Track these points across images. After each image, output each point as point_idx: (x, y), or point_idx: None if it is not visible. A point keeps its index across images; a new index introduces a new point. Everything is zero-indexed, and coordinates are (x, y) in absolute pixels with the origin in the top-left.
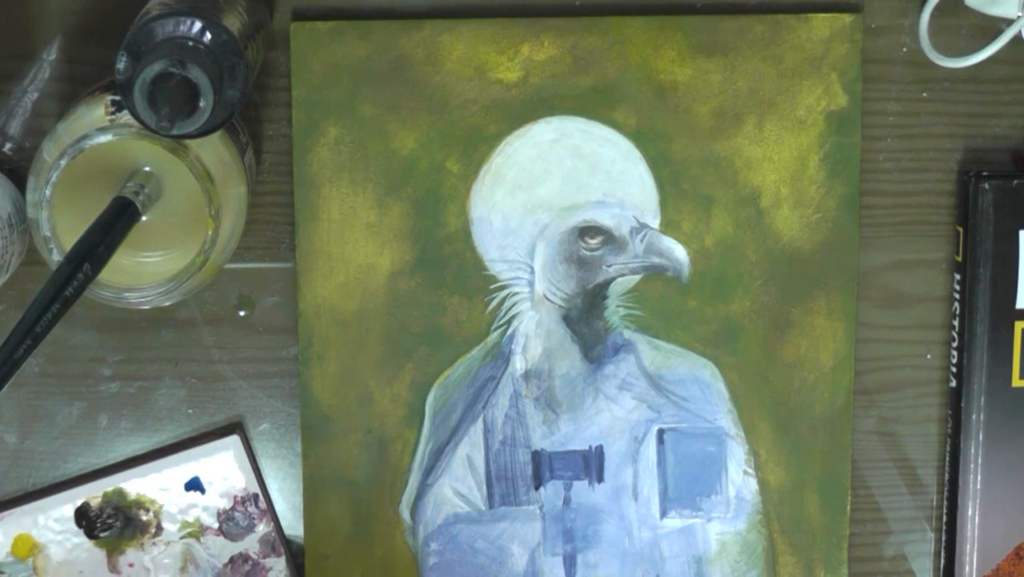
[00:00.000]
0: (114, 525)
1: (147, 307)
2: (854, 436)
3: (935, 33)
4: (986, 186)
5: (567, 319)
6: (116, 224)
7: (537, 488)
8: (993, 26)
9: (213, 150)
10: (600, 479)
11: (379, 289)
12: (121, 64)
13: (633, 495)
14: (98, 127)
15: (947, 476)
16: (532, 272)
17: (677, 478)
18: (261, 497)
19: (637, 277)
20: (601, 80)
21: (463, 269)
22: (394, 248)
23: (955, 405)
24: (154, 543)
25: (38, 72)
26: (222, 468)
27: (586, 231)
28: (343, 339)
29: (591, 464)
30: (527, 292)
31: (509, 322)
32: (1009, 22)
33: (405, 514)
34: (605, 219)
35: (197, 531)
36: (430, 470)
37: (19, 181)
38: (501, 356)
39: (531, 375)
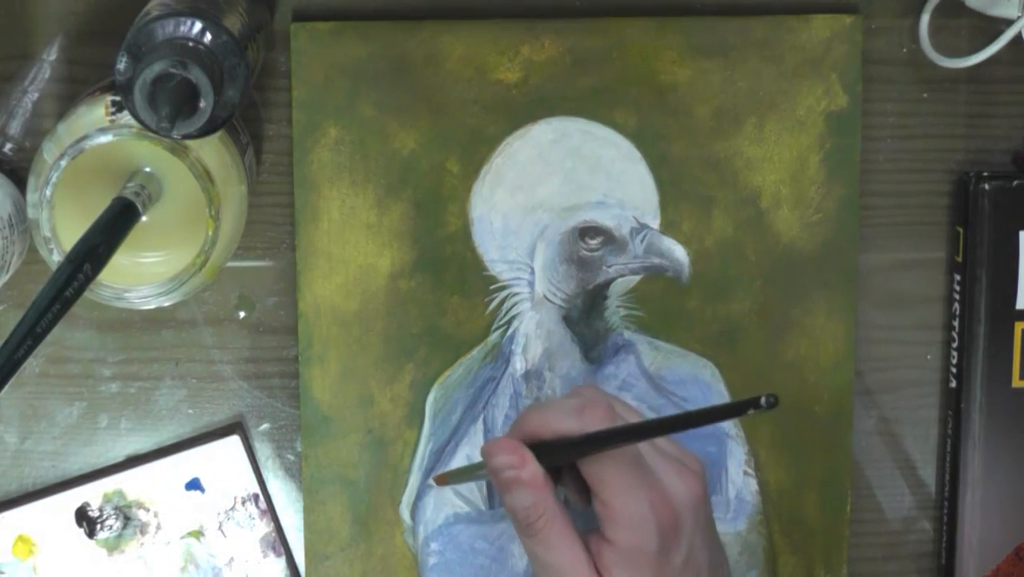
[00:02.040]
0: (114, 525)
1: (147, 307)
2: (854, 436)
3: (935, 33)
4: (986, 186)
5: (567, 319)
6: (116, 224)
7: None
8: (993, 26)
9: (213, 150)
10: None
11: (379, 289)
12: (121, 65)
13: None
14: (98, 127)
15: (947, 476)
16: (532, 272)
17: None
18: (261, 497)
19: (637, 278)
20: (601, 81)
21: (463, 270)
22: (394, 248)
23: (955, 405)
24: (154, 543)
25: (38, 72)
26: (222, 468)
27: (586, 231)
28: (343, 339)
29: None
30: (527, 292)
31: (509, 322)
32: (1009, 22)
33: (405, 514)
34: (605, 220)
35: (197, 531)
36: (430, 470)
37: (19, 181)
38: (501, 356)
39: (531, 375)
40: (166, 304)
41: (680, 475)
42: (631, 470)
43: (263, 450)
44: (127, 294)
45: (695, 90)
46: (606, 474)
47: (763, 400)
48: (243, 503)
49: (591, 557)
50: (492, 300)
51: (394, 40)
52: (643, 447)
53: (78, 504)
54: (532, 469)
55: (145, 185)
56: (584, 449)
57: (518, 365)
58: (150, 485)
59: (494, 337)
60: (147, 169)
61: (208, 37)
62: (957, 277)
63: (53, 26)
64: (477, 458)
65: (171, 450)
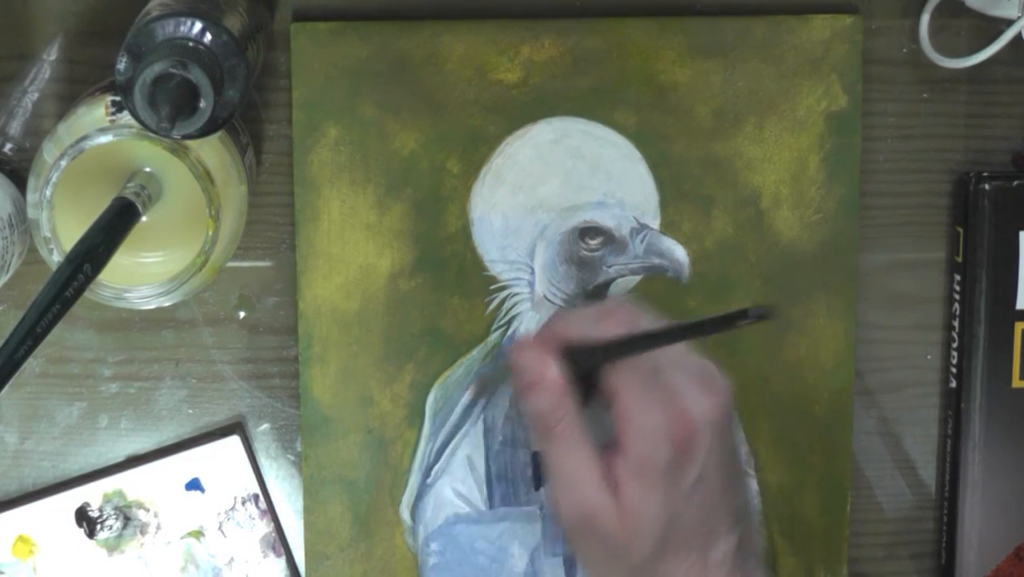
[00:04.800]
0: (114, 525)
1: (147, 307)
2: (854, 436)
3: (935, 33)
4: (986, 187)
5: None
6: (116, 224)
7: (537, 488)
8: (993, 26)
9: (213, 151)
10: None
11: (379, 290)
12: (121, 65)
13: None
14: (98, 128)
15: (947, 476)
16: (532, 273)
17: None
18: (261, 497)
19: (637, 278)
20: (601, 81)
21: (463, 270)
22: (394, 249)
23: (955, 405)
24: (154, 543)
25: (38, 72)
26: (222, 468)
27: (586, 232)
28: (343, 339)
29: None
30: (527, 293)
31: (509, 323)
32: (1009, 22)
33: (405, 514)
34: (605, 220)
35: (197, 531)
36: (430, 470)
37: (19, 181)
38: (501, 356)
39: None
40: (166, 304)
41: (701, 392)
42: (648, 381)
43: (263, 450)
44: (127, 294)
45: (695, 90)
46: (623, 384)
47: (750, 312)
48: (243, 503)
49: (604, 470)
50: (492, 300)
51: (394, 40)
52: (667, 363)
53: (78, 504)
54: (554, 373)
55: (145, 185)
56: (599, 356)
57: None
58: (150, 485)
59: (494, 337)
60: (147, 169)
61: (208, 37)
62: (957, 277)
63: (53, 26)
64: (478, 459)
65: (171, 450)
